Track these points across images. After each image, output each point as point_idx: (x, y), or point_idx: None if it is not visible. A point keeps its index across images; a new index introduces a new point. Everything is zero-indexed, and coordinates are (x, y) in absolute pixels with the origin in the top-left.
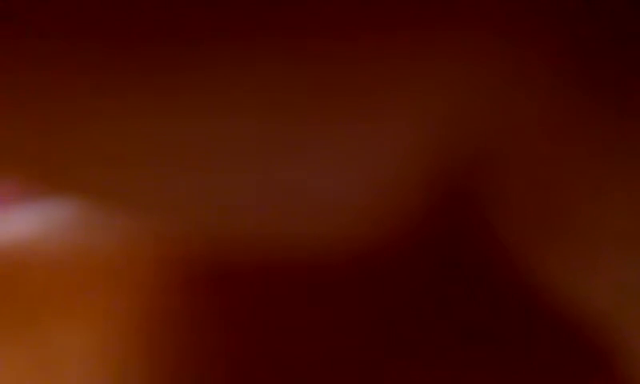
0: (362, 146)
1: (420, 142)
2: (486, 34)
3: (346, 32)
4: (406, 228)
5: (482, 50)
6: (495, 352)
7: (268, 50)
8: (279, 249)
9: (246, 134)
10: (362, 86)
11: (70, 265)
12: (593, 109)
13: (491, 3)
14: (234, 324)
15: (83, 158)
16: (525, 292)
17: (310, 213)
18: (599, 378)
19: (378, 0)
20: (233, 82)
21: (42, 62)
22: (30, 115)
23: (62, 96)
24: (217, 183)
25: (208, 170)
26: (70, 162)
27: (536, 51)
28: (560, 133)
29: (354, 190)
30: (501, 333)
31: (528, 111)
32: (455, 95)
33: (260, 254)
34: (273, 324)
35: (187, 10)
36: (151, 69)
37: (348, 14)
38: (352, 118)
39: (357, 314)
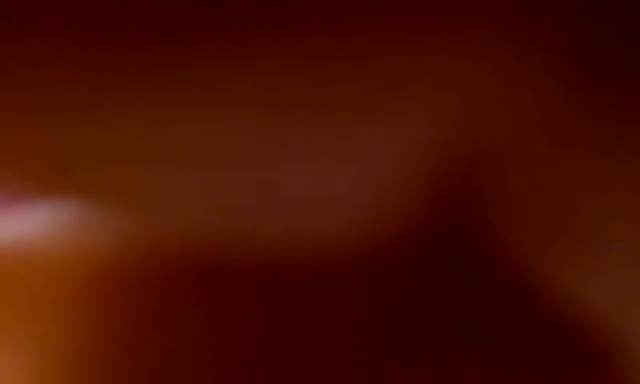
0: (364, 144)
1: (422, 140)
2: (488, 32)
3: (347, 30)
4: (406, 228)
5: (484, 48)
6: (495, 352)
7: (268, 47)
8: (279, 248)
9: (246, 133)
10: (364, 85)
11: (69, 264)
12: (594, 107)
13: (494, 1)
14: (234, 323)
15: (82, 157)
16: (525, 292)
17: (310, 212)
18: (598, 377)
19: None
20: (233, 80)
21: (41, 60)
22: (28, 114)
23: (61, 95)
24: (216, 181)
25: (208, 168)
26: (70, 161)
27: (539, 49)
28: (561, 131)
29: (354, 189)
30: (501, 332)
31: (530, 109)
32: (458, 93)
33: (260, 254)
34: (272, 324)
35: (186, 8)
36: (151, 67)
37: (349, 11)
38: (353, 117)
39: (357, 314)
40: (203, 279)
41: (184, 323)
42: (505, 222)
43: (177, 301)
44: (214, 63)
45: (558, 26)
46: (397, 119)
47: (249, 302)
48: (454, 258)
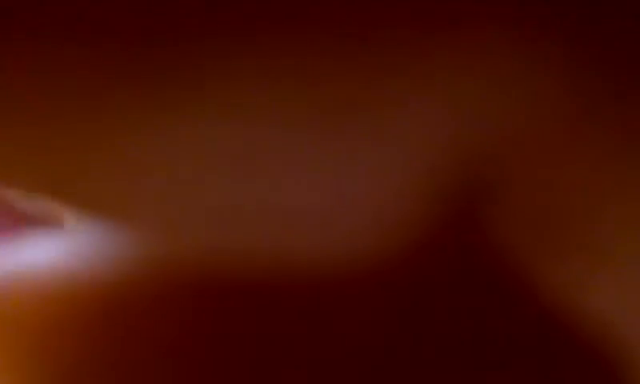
0: (365, 154)
1: (428, 151)
2: (493, 39)
3: (347, 33)
4: (409, 238)
5: (488, 55)
6: (502, 361)
7: (271, 54)
8: (284, 264)
9: (249, 144)
10: (370, 94)
11: (76, 287)
12: (598, 115)
13: (500, 6)
14: (239, 341)
15: (83, 176)
16: (532, 301)
17: (315, 226)
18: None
19: (386, 2)
20: (237, 90)
21: (41, 71)
22: (30, 130)
23: (65, 113)
24: (219, 198)
25: (208, 183)
26: (69, 178)
27: (544, 56)
28: (565, 140)
29: (358, 199)
30: (507, 342)
31: (535, 117)
32: (464, 102)
33: (264, 271)
34: (278, 342)
35: (183, 12)
36: (150, 77)
37: (349, 14)
38: (359, 127)
39: (362, 327)
40: (208, 296)
41: (189, 340)
42: (510, 230)
43: (183, 319)
44: (218, 78)
45: (563, 33)
46: (404, 128)
47: (253, 319)
48: (458, 268)
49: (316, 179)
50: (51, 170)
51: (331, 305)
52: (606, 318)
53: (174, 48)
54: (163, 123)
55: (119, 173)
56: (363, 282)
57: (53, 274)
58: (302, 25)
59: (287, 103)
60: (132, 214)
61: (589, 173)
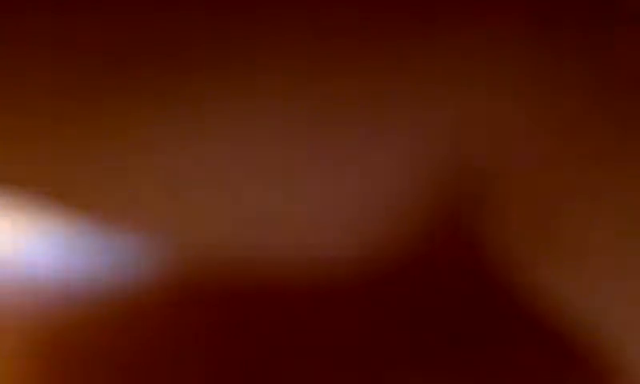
0: (366, 162)
1: (426, 157)
2: (501, 39)
3: (354, 38)
4: (411, 240)
5: (494, 53)
6: (489, 361)
7: (271, 54)
8: (278, 272)
9: (246, 154)
10: (369, 99)
11: (77, 298)
12: (602, 111)
13: (509, 7)
14: (235, 349)
15: (85, 180)
16: (520, 303)
17: (310, 235)
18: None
19: (390, 3)
20: (237, 91)
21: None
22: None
23: (61, 115)
24: (214, 206)
25: (206, 191)
26: (70, 182)
27: (553, 57)
28: (567, 140)
29: (354, 210)
30: (496, 341)
31: (538, 117)
32: (464, 101)
33: (260, 279)
34: (274, 351)
35: (187, 38)
36: (151, 89)
37: (353, 15)
38: (357, 131)
39: (360, 328)
40: (208, 305)
41: (192, 345)
42: (505, 231)
43: (185, 324)
44: (217, 90)
45: (570, 43)
46: (402, 135)
47: (249, 327)
48: (453, 269)
49: (314, 181)
50: (53, 174)
51: (330, 306)
52: (597, 321)
53: (174, 50)
54: (165, 124)
55: (121, 177)
56: (360, 284)
57: (55, 281)
58: (302, 25)
59: (286, 103)
60: (135, 220)
61: (585, 175)
